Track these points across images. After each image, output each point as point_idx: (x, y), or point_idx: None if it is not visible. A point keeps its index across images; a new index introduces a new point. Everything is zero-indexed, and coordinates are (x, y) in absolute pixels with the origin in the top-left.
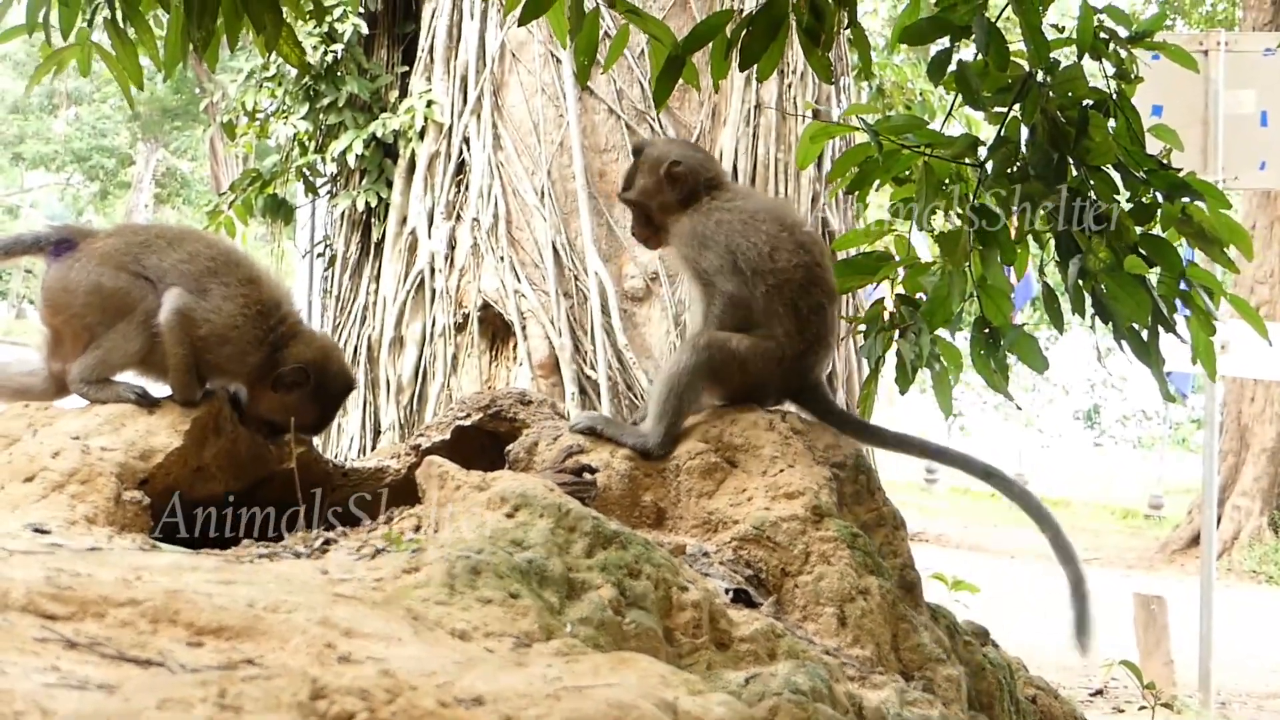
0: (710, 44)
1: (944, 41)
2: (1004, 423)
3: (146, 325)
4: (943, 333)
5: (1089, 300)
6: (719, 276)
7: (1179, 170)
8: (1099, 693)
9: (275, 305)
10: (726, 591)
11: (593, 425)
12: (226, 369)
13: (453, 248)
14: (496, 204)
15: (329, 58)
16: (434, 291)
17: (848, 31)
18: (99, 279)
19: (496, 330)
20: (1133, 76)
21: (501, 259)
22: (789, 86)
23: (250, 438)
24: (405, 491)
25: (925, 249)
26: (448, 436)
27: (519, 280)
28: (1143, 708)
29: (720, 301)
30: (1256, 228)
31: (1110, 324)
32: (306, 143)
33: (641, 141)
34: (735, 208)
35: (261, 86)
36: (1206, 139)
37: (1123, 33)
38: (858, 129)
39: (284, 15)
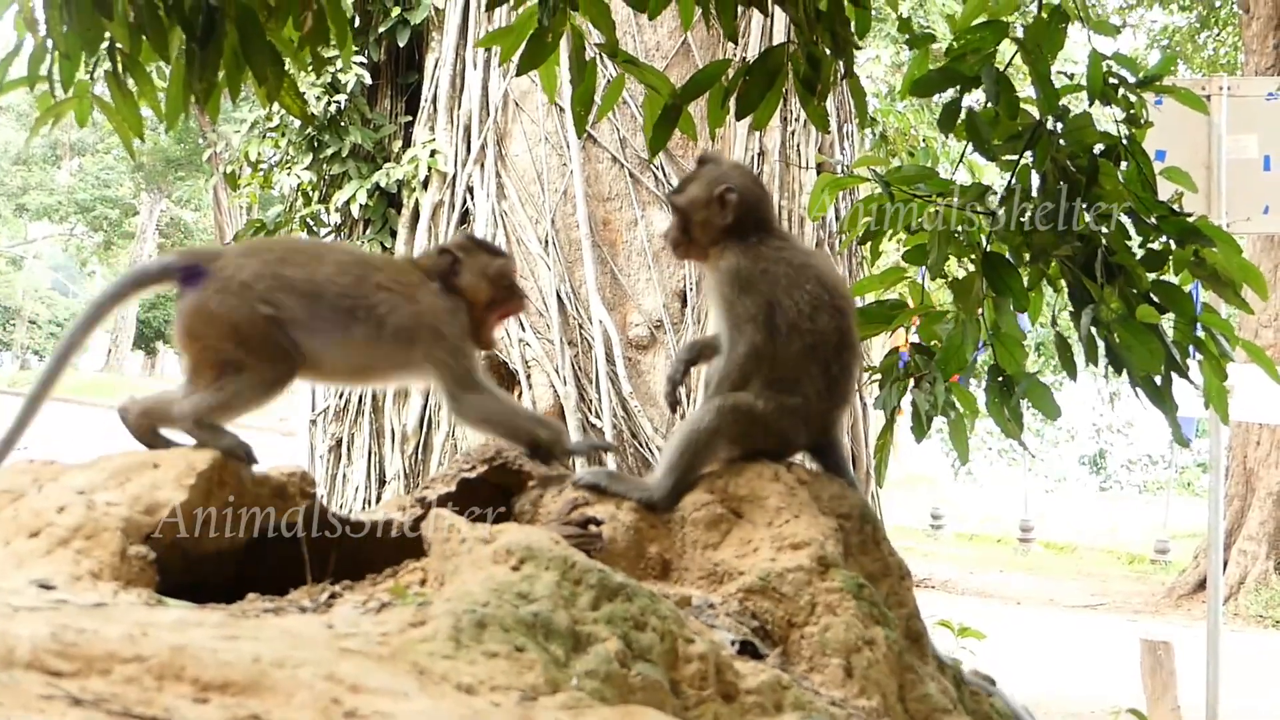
0: (708, 93)
1: (954, 90)
2: (1009, 468)
3: (277, 382)
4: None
5: (1102, 348)
6: (749, 325)
7: (1189, 215)
8: None
9: (425, 267)
10: (732, 643)
11: (596, 482)
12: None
13: None
14: None
15: (332, 108)
16: None
17: (846, 80)
18: (235, 311)
19: (501, 379)
20: (1143, 121)
21: None
22: (792, 134)
23: (255, 492)
24: (411, 544)
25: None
26: (453, 489)
27: (524, 329)
28: None
29: (743, 350)
30: (1262, 271)
31: (1124, 373)
32: (310, 192)
33: (710, 154)
34: (783, 259)
35: (265, 137)
36: (1210, 184)
37: (1131, 78)
38: (869, 179)
39: (285, 66)
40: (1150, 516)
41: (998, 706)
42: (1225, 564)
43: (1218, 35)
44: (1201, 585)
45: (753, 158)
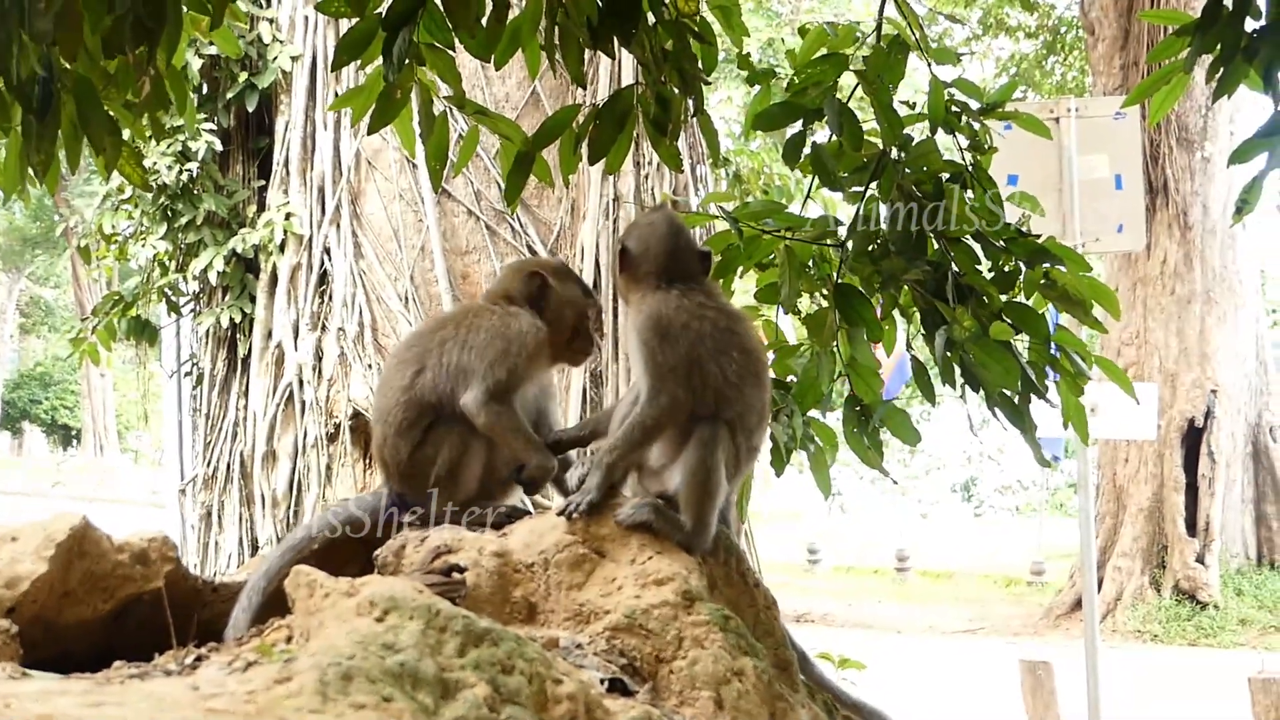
0: (559, 139)
1: (798, 125)
2: (881, 496)
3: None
4: (815, 413)
5: (958, 370)
6: (671, 377)
7: (1038, 236)
8: None
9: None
10: (602, 681)
11: (646, 520)
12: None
13: (320, 358)
14: (361, 312)
15: (184, 176)
16: (304, 403)
17: (696, 119)
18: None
19: (369, 438)
20: (986, 147)
21: (370, 366)
22: (646, 178)
23: (116, 559)
24: (277, 603)
25: (793, 332)
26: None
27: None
28: None
29: (665, 402)
30: (1119, 290)
31: (981, 392)
32: (167, 262)
33: (651, 207)
34: (709, 317)
35: (118, 208)
36: (1063, 205)
37: (974, 105)
38: (717, 217)
39: (124, 135)
40: (1025, 539)
41: None
42: (1101, 582)
43: (1065, 59)
44: (1078, 604)
45: (608, 203)
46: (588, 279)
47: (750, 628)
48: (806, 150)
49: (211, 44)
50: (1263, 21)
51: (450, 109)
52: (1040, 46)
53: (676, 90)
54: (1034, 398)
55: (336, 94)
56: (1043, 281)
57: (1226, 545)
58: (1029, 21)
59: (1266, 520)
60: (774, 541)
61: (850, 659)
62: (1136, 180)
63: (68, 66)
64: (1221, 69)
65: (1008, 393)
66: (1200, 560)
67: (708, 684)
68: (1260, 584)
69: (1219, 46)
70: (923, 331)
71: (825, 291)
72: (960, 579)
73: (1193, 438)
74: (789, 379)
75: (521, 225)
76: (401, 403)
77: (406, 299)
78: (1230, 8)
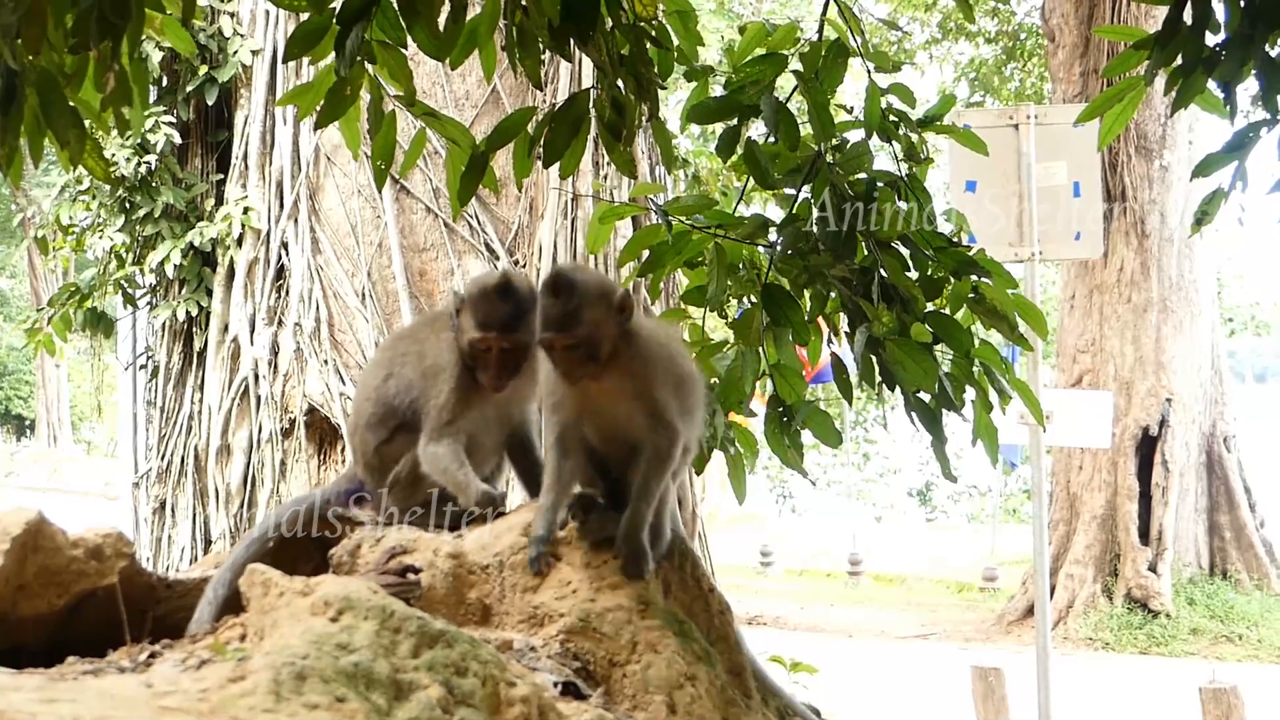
0: (513, 142)
1: (735, 122)
2: (835, 500)
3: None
4: (737, 417)
5: (878, 370)
6: (686, 419)
7: (969, 248)
8: None
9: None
10: (555, 684)
11: (646, 563)
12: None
13: (276, 353)
14: (318, 307)
15: (142, 169)
16: (259, 398)
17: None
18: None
19: (324, 434)
20: (922, 157)
21: (325, 362)
22: (605, 178)
23: (71, 554)
24: (231, 601)
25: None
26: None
27: (344, 383)
28: None
29: (680, 453)
30: (1076, 297)
31: (901, 392)
32: (124, 254)
33: (561, 272)
34: (675, 352)
35: (76, 200)
36: (1021, 211)
37: (912, 114)
38: (647, 209)
39: (87, 128)
40: (978, 545)
41: None
42: (1053, 589)
43: (1024, 66)
44: (1030, 611)
45: (566, 202)
46: (543, 277)
47: (704, 633)
48: (740, 148)
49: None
50: (1223, 35)
51: (400, 108)
52: (1000, 52)
53: (632, 95)
54: (949, 410)
55: (288, 91)
56: (970, 295)
57: (1179, 554)
58: (989, 27)
59: (1220, 530)
60: (727, 544)
61: (802, 663)
62: (1095, 188)
63: (30, 60)
64: (1181, 80)
65: (925, 397)
66: (1153, 569)
67: (661, 688)
68: (1212, 594)
69: (1179, 58)
70: (846, 330)
71: (753, 295)
72: (913, 584)
73: (1147, 446)
74: (712, 380)
75: (480, 223)
76: (371, 399)
77: (364, 295)
78: (1190, 22)
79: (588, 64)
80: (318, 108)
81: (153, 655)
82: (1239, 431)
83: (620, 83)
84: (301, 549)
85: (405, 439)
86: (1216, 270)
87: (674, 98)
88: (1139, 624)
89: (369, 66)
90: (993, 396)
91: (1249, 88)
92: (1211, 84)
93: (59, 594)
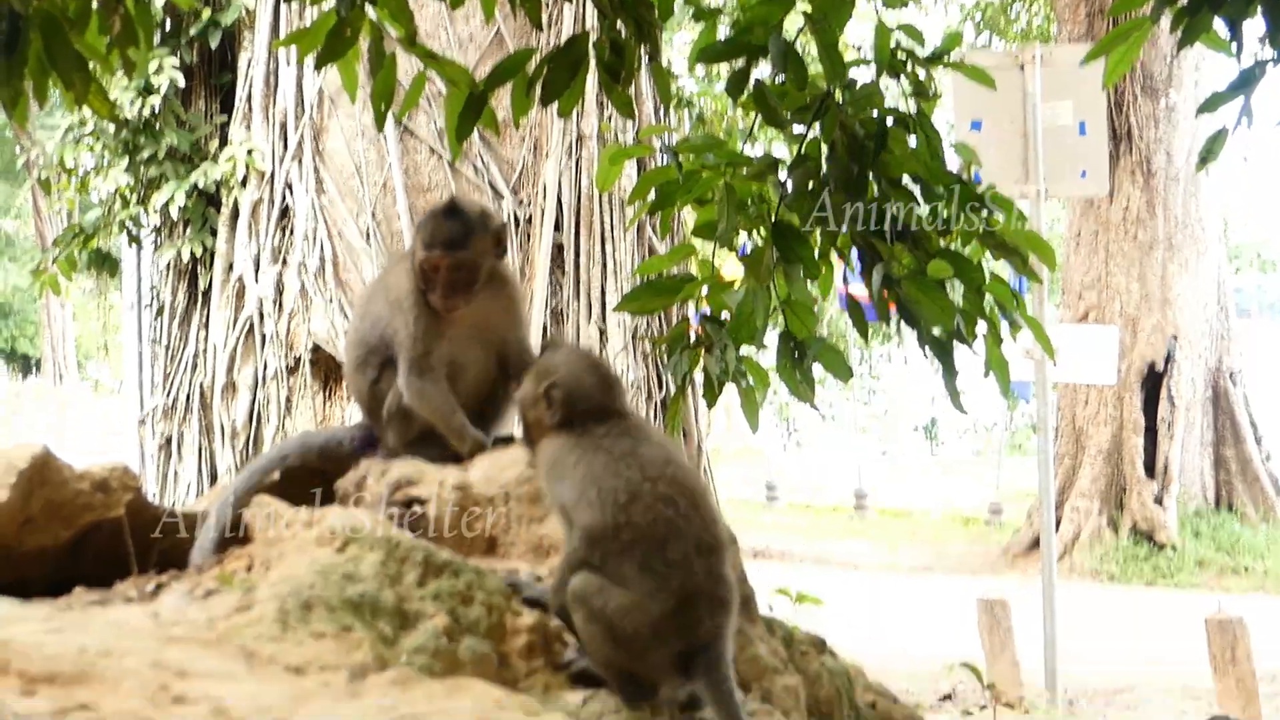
0: (512, 83)
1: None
2: (841, 435)
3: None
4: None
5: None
6: (566, 518)
7: (979, 184)
8: (947, 698)
9: None
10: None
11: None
12: None
13: (281, 292)
14: (322, 247)
15: (147, 110)
16: (264, 336)
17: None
18: None
19: (329, 371)
20: (931, 94)
21: (330, 301)
22: (609, 119)
23: (77, 488)
24: (233, 529)
25: (733, 268)
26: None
27: (348, 321)
28: (982, 707)
29: (577, 536)
30: (1081, 235)
31: (916, 329)
32: (128, 195)
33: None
34: (604, 447)
35: (80, 142)
36: (1027, 150)
37: (920, 51)
38: (655, 150)
39: (91, 70)
40: (983, 479)
41: (828, 664)
42: (1059, 522)
43: (1030, 6)
44: (1036, 544)
45: (571, 141)
46: (549, 217)
47: None
48: (750, 88)
49: None
50: None
51: (401, 50)
52: None
53: (632, 38)
54: (962, 344)
55: (289, 34)
56: (981, 230)
57: (1185, 488)
58: None
59: (1225, 464)
60: (733, 478)
61: (808, 594)
62: (1100, 127)
63: (35, 2)
64: (1186, 19)
65: (940, 334)
66: (1158, 502)
67: None
68: (1218, 526)
69: None
70: (858, 269)
71: (763, 230)
72: (919, 518)
73: (1153, 382)
74: (723, 315)
75: (484, 164)
76: (354, 342)
77: (368, 235)
78: None
79: (590, 6)
80: (319, 49)
81: (159, 586)
82: (1244, 366)
83: (620, 25)
84: (307, 483)
85: (392, 375)
86: (1222, 208)
87: (680, 37)
88: (1145, 556)
89: (369, 8)
90: (1004, 331)
91: (1255, 26)
92: (1218, 22)
93: (65, 527)
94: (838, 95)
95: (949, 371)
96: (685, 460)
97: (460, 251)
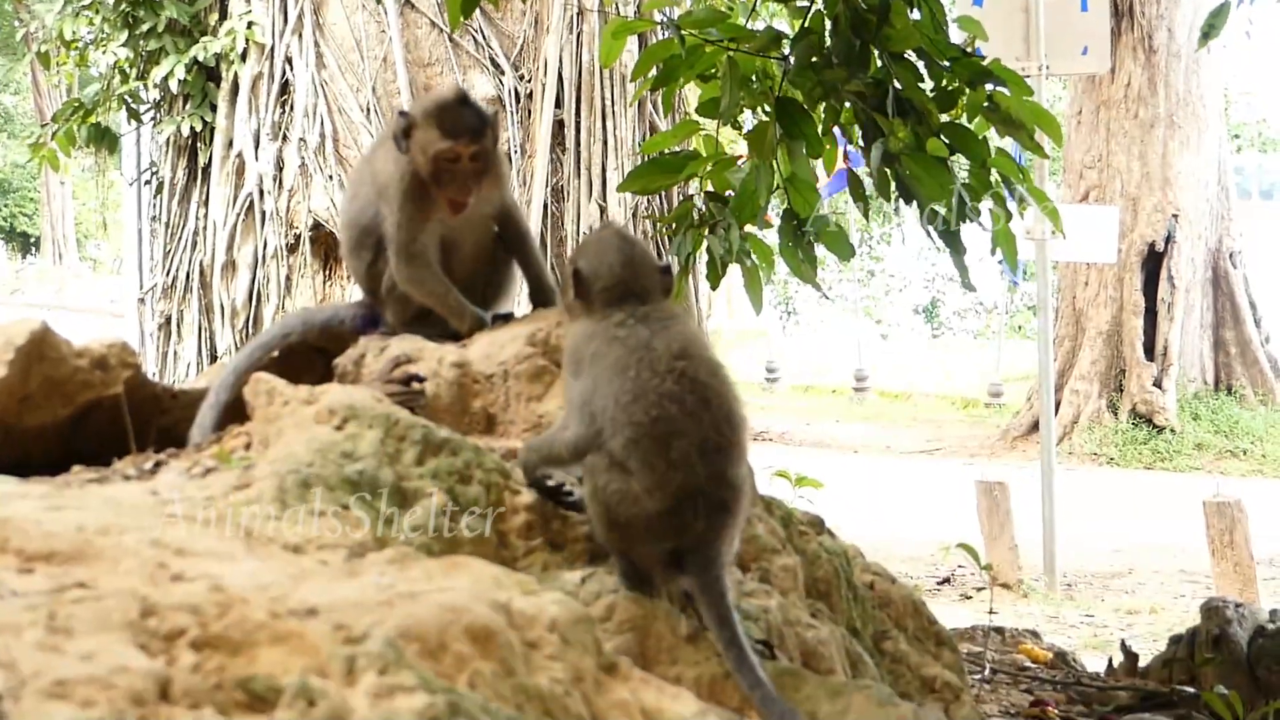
0: None
1: None
2: (841, 317)
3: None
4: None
5: (894, 185)
6: (574, 415)
7: (983, 58)
8: (946, 580)
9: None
10: (563, 489)
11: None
12: None
13: (281, 169)
14: (323, 123)
15: None
16: (264, 213)
17: None
18: None
19: (329, 249)
20: None
21: (330, 178)
22: None
23: (75, 365)
24: (235, 411)
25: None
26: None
27: None
28: (980, 589)
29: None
30: (1083, 113)
31: (915, 205)
32: (127, 70)
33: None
34: (620, 338)
35: (79, 14)
36: (1029, 26)
37: None
38: (658, 24)
39: None
40: (983, 362)
41: (826, 544)
42: (1058, 404)
43: None
44: (1035, 426)
45: (572, 16)
46: (550, 93)
47: None
48: None
49: None
50: None
51: None
52: None
53: None
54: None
55: None
56: (985, 104)
57: (1185, 370)
58: None
59: (1225, 345)
60: (734, 360)
61: (808, 477)
62: (1102, 3)
63: None
64: None
65: (940, 211)
66: (1158, 384)
67: None
68: (1217, 409)
69: None
70: (860, 145)
71: (767, 106)
72: (918, 400)
73: (1153, 262)
74: (727, 193)
75: (485, 38)
76: (347, 225)
77: (368, 110)
78: None
79: None
80: None
81: (158, 464)
82: (1245, 247)
83: None
84: (305, 360)
85: (385, 256)
86: (1224, 86)
87: None
88: (1144, 439)
89: None
90: (1010, 205)
91: None
92: None
93: (63, 404)
94: None
95: (955, 250)
96: (704, 351)
97: (481, 140)
